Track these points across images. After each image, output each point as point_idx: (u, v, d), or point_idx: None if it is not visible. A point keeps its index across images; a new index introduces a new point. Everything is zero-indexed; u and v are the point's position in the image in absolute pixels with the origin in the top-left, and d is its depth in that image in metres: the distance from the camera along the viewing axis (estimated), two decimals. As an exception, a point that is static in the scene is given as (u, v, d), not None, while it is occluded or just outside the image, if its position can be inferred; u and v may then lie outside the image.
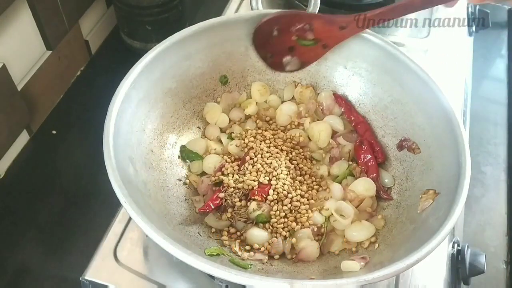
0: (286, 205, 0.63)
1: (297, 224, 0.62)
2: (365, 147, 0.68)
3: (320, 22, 0.67)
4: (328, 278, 0.56)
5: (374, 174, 0.66)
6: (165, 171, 0.66)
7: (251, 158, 0.66)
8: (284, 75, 0.75)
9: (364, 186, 0.65)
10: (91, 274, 0.61)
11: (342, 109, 0.73)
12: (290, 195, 0.63)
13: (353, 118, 0.71)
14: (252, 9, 0.73)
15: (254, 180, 0.64)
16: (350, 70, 0.72)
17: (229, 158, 0.68)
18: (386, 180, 0.67)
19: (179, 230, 0.60)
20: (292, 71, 0.73)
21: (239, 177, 0.64)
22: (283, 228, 0.62)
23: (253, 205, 0.62)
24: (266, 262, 0.60)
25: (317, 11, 0.72)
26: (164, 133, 0.67)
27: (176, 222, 0.61)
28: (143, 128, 0.64)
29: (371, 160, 0.67)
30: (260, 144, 0.68)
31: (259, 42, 0.70)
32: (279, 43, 0.69)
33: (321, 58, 0.73)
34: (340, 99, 0.73)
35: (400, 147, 0.68)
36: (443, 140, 0.61)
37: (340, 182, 0.67)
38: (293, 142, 0.70)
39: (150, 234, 0.48)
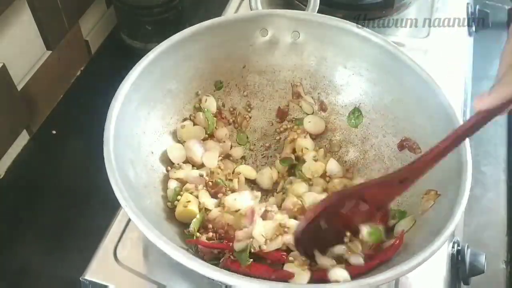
0: None
1: None
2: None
3: (375, 188, 0.56)
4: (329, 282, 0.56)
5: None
6: (166, 173, 0.65)
7: None
8: (283, 75, 0.75)
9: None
10: (91, 274, 0.61)
11: None
12: None
13: None
14: (251, 9, 0.73)
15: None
16: (350, 70, 0.72)
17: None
18: None
19: (181, 234, 0.60)
20: None
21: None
22: None
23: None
24: None
25: (316, 11, 0.72)
26: (164, 134, 0.67)
27: (178, 225, 0.61)
28: (143, 130, 0.64)
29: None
30: None
31: (306, 246, 0.55)
32: (331, 233, 0.55)
33: (321, 58, 0.73)
34: None
35: (400, 146, 0.68)
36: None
37: None
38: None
39: (151, 238, 0.48)
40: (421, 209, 0.60)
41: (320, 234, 0.55)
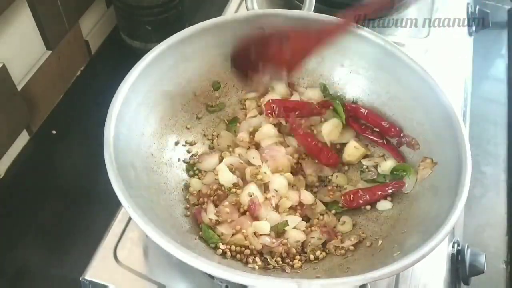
0: None
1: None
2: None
3: (293, 36, 0.66)
4: (334, 276, 0.56)
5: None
6: (165, 174, 0.65)
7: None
8: (281, 75, 0.75)
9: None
10: (91, 274, 0.61)
11: None
12: None
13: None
14: (247, 9, 0.73)
15: None
16: (348, 68, 0.72)
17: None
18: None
19: (182, 234, 0.60)
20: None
21: None
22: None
23: None
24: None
25: (312, 10, 0.72)
26: (164, 136, 0.67)
27: (179, 225, 0.61)
28: (143, 132, 0.64)
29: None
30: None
31: (239, 65, 0.69)
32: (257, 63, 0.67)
33: (319, 57, 0.73)
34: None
35: (399, 143, 0.68)
36: (442, 135, 0.61)
37: None
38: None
39: (155, 238, 0.48)
40: (418, 177, 0.61)
41: (251, 59, 0.66)
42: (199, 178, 0.67)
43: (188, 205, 0.65)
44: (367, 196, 0.64)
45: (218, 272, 0.47)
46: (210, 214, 0.62)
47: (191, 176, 0.68)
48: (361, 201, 0.64)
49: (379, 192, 0.64)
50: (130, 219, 0.65)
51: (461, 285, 0.67)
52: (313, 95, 0.73)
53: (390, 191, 0.64)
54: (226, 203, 0.62)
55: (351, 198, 0.65)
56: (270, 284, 0.48)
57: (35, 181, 0.79)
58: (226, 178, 0.65)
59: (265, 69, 0.67)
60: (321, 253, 0.61)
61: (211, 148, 0.71)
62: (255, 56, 0.67)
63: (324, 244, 0.62)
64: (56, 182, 0.79)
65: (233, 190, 0.64)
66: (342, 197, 0.65)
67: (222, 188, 0.65)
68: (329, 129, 0.69)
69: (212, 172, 0.67)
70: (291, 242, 0.61)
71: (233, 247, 0.60)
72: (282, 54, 0.66)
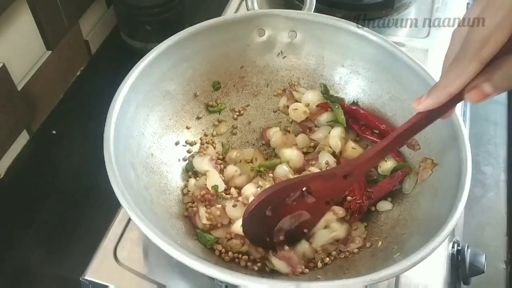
0: None
1: None
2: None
3: (319, 181, 0.56)
4: (334, 278, 0.56)
5: None
6: (166, 175, 0.65)
7: None
8: (281, 75, 0.75)
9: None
10: (91, 274, 0.61)
11: None
12: None
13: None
14: (247, 9, 0.73)
15: None
16: (348, 68, 0.72)
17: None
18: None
19: (182, 234, 0.60)
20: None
21: None
22: None
23: None
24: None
25: (312, 10, 0.72)
26: (164, 136, 0.67)
27: (179, 226, 0.61)
28: (143, 132, 0.64)
29: None
30: None
31: (252, 230, 0.57)
32: (273, 222, 0.57)
33: (319, 57, 0.73)
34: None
35: (399, 144, 0.68)
36: (443, 136, 0.61)
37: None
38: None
39: (154, 239, 0.48)
40: (419, 177, 0.61)
41: (267, 223, 0.56)
42: (196, 180, 0.67)
43: (187, 206, 0.64)
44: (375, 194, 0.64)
45: (218, 274, 0.46)
46: (202, 219, 0.61)
47: (190, 177, 0.68)
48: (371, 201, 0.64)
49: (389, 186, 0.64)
50: (130, 219, 0.65)
51: (461, 285, 0.67)
52: (312, 96, 0.73)
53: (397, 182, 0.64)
54: (219, 206, 0.62)
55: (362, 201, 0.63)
56: (269, 286, 0.48)
57: (35, 181, 0.79)
58: (214, 183, 0.64)
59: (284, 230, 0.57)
60: (329, 260, 0.60)
61: (204, 149, 0.70)
62: (273, 219, 0.56)
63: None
64: (56, 182, 0.79)
65: (226, 196, 0.64)
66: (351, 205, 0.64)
67: (211, 192, 0.64)
68: (336, 141, 0.68)
69: (205, 175, 0.66)
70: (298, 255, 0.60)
71: (230, 253, 0.60)
72: (306, 207, 0.56)
